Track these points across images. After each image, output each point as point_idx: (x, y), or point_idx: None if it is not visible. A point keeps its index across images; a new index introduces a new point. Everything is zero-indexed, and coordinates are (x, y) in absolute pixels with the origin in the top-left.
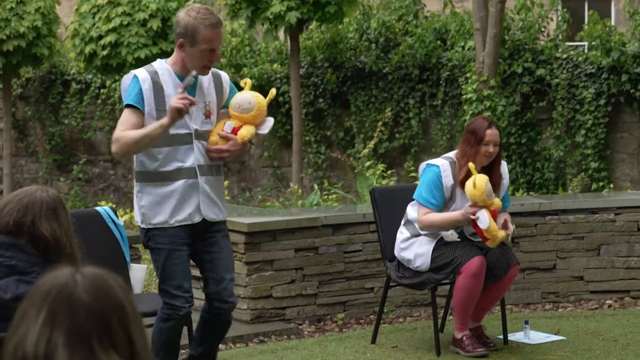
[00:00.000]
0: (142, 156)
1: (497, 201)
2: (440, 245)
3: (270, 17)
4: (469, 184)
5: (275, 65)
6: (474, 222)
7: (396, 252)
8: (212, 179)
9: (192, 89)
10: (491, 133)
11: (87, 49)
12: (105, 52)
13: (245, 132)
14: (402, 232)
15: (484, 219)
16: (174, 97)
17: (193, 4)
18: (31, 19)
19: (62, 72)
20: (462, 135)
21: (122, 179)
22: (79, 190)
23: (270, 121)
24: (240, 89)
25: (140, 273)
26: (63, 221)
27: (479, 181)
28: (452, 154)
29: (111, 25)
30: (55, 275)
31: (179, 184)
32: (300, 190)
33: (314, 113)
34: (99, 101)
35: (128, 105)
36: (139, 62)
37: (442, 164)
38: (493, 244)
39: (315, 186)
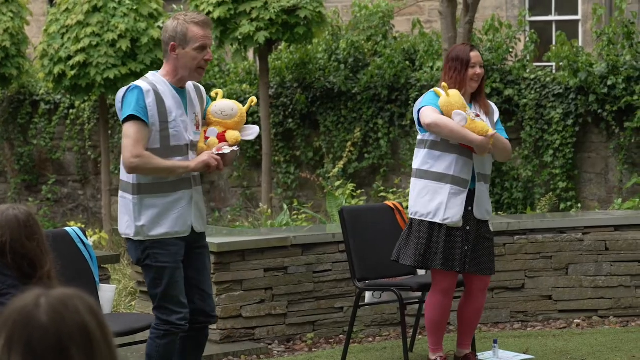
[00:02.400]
0: None
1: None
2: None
3: (240, 37)
4: (442, 97)
5: (244, 86)
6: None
7: (416, 208)
8: (199, 189)
9: (184, 101)
10: (475, 55)
11: (56, 70)
12: (74, 73)
13: (235, 133)
14: (413, 181)
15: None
16: (207, 153)
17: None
18: None
19: (31, 92)
20: (445, 66)
21: (91, 199)
22: (48, 211)
23: (256, 129)
24: (211, 99)
25: (109, 293)
26: (39, 237)
27: (453, 91)
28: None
29: (80, 45)
30: (20, 298)
31: (179, 194)
32: (269, 210)
33: (283, 133)
34: (68, 121)
35: (132, 117)
36: (108, 83)
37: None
38: (482, 148)
39: (285, 206)
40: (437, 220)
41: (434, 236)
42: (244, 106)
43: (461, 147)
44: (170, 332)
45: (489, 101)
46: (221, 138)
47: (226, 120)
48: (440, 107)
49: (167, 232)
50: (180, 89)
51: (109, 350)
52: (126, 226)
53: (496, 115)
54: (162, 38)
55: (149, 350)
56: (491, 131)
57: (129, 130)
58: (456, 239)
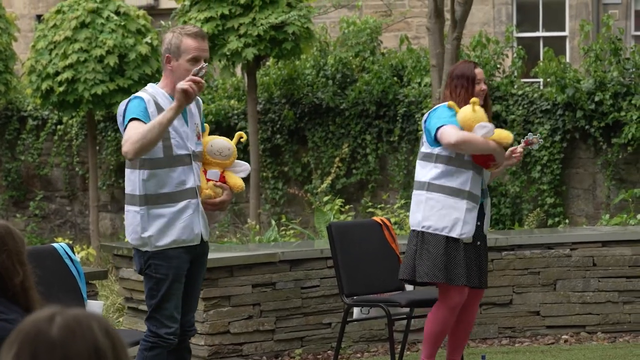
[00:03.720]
0: (146, 178)
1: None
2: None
3: (228, 53)
4: (466, 113)
5: (232, 102)
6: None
7: (429, 222)
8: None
9: (184, 112)
10: (479, 71)
11: (44, 86)
12: (61, 89)
13: (238, 180)
14: (423, 195)
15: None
16: (182, 82)
17: None
18: None
19: (18, 108)
20: (450, 84)
21: (78, 215)
22: (36, 227)
23: (247, 166)
24: None
25: (97, 309)
26: (9, 248)
27: (477, 107)
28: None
29: (68, 61)
30: (38, 312)
31: (184, 204)
32: (257, 226)
33: (271, 149)
34: (56, 137)
35: (133, 119)
36: (96, 99)
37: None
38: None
39: (273, 222)
40: (454, 234)
41: (451, 251)
42: (231, 139)
43: (474, 163)
44: (157, 345)
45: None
46: (221, 179)
47: (225, 161)
48: (460, 122)
49: (175, 241)
50: None
51: None
52: (134, 237)
53: None
54: (161, 51)
55: None
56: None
57: (129, 130)
58: (472, 254)
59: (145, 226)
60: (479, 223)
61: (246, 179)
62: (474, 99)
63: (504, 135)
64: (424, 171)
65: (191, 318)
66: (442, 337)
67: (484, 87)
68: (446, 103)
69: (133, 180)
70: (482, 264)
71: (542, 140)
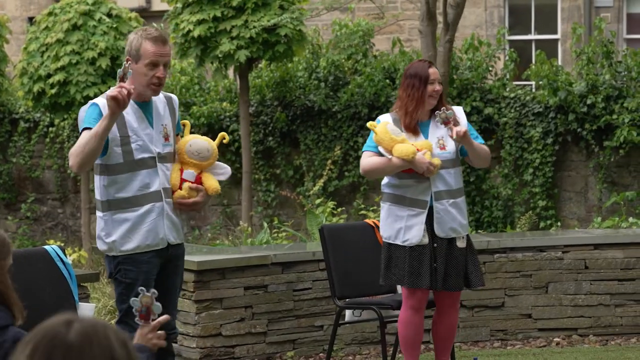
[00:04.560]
0: (107, 184)
1: (420, 143)
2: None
3: (220, 55)
4: (374, 135)
5: (224, 104)
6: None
7: (382, 231)
8: (170, 202)
9: (149, 114)
10: (433, 72)
11: (36, 88)
12: (53, 91)
13: (214, 183)
14: (382, 206)
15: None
16: (112, 89)
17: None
18: None
19: (10, 110)
20: (403, 83)
21: (70, 217)
22: (27, 229)
23: (227, 169)
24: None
25: (89, 312)
26: None
27: (378, 128)
28: (390, 113)
29: (60, 63)
30: (55, 317)
31: (148, 207)
32: (249, 229)
33: (263, 151)
34: (48, 140)
35: (85, 129)
36: (88, 101)
37: (385, 117)
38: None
39: (265, 224)
40: (398, 242)
41: (400, 255)
42: (214, 140)
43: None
44: None
45: (451, 107)
46: (198, 180)
47: (202, 162)
48: (376, 144)
49: (138, 246)
50: (142, 103)
51: None
52: (101, 242)
53: (463, 119)
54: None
55: None
56: (419, 153)
57: (77, 142)
58: (423, 256)
59: (110, 231)
60: (432, 227)
61: (238, 181)
62: (370, 123)
63: (404, 151)
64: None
65: (171, 321)
66: (417, 342)
67: (437, 87)
68: (370, 123)
69: (97, 186)
70: (445, 266)
71: (451, 110)
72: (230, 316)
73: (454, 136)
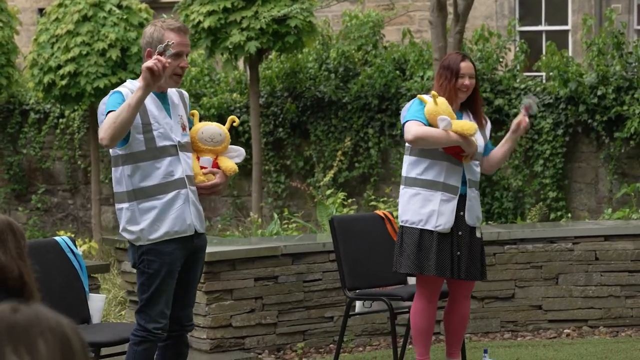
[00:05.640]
0: (130, 173)
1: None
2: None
3: (230, 47)
4: (429, 105)
5: (234, 95)
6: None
7: (406, 216)
8: (194, 190)
9: (166, 104)
10: (466, 66)
11: (46, 79)
12: (64, 82)
13: (231, 163)
14: (402, 189)
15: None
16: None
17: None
18: None
19: (20, 101)
20: (437, 73)
21: (80, 208)
22: (38, 220)
23: (241, 151)
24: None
25: (99, 303)
26: (10, 246)
27: (440, 99)
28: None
29: (70, 55)
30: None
31: (174, 194)
32: (260, 220)
33: (273, 142)
34: (58, 131)
35: (111, 112)
36: (98, 92)
37: (426, 97)
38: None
39: (275, 215)
40: (429, 227)
41: (425, 242)
42: (224, 125)
43: (448, 155)
44: (146, 339)
45: (485, 116)
46: (214, 165)
47: (217, 147)
48: (426, 115)
49: (167, 232)
50: (160, 94)
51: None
52: (127, 232)
53: (488, 130)
54: (140, 43)
55: (127, 356)
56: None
57: (107, 118)
58: (447, 245)
59: (137, 220)
60: (462, 213)
61: (248, 172)
62: (433, 92)
63: (467, 126)
64: (404, 165)
65: (189, 313)
66: (429, 332)
67: (467, 82)
68: (420, 96)
69: (118, 178)
70: (466, 255)
71: (538, 99)
72: (240, 307)
73: (522, 124)
